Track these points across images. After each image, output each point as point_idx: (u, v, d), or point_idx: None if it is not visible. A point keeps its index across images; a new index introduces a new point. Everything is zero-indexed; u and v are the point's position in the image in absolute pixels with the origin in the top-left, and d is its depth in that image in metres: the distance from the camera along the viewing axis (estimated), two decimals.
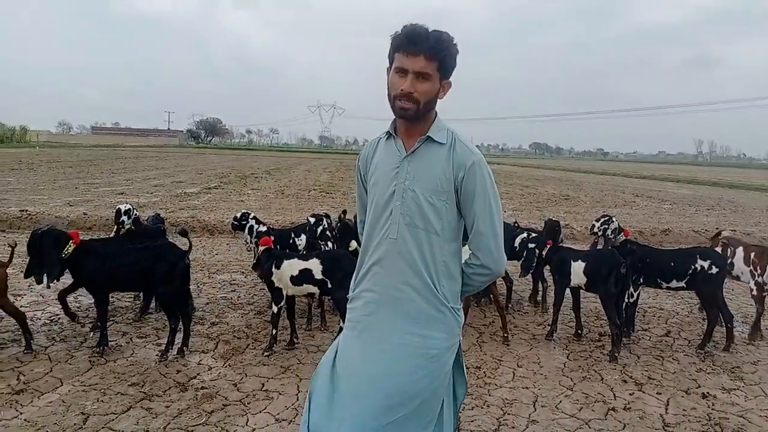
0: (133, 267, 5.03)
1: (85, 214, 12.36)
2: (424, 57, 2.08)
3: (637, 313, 6.28)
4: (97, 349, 4.95)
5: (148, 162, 36.79)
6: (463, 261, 2.29)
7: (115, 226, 6.50)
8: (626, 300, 5.97)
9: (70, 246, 4.86)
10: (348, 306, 2.37)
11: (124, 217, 6.39)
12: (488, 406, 4.32)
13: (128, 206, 6.52)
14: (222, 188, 20.55)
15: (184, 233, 5.46)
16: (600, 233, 5.97)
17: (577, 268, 5.60)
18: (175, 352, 4.99)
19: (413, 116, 2.15)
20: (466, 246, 2.30)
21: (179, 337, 5.09)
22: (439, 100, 2.20)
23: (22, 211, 12.20)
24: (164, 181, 22.56)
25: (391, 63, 2.18)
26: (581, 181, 34.75)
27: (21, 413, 3.86)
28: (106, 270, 4.94)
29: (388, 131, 2.30)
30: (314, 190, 21.37)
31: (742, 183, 38.50)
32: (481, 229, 2.18)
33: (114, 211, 6.64)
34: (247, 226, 6.86)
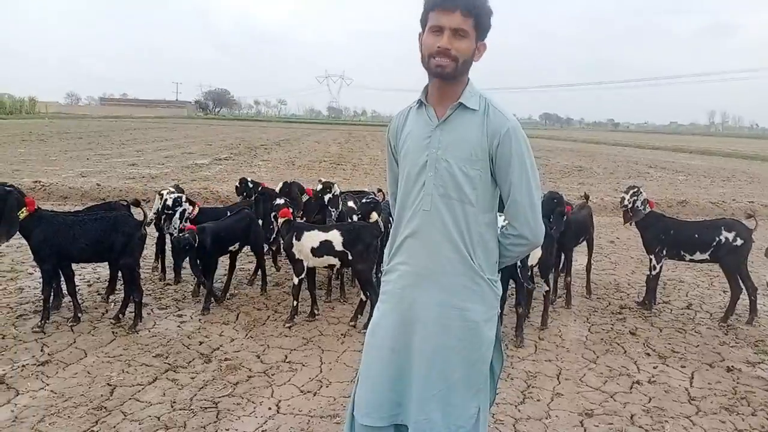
0: (87, 238, 4.84)
1: (98, 185, 12.36)
2: (460, 13, 2.00)
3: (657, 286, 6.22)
4: (38, 326, 4.78)
5: (158, 133, 36.74)
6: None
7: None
8: (649, 272, 5.93)
9: (23, 212, 4.68)
10: (382, 279, 2.33)
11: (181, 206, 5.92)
12: (512, 378, 4.31)
13: (175, 194, 6.03)
14: (233, 159, 20.52)
15: (136, 203, 5.44)
16: (630, 205, 5.84)
17: None
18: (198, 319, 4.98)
19: (451, 75, 2.06)
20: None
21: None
22: (474, 63, 2.12)
23: (36, 182, 12.19)
24: (174, 152, 22.54)
25: (423, 26, 2.10)
26: (593, 152, 34.45)
27: (47, 384, 3.88)
28: (56, 241, 4.74)
29: (419, 99, 2.21)
30: (325, 161, 21.29)
31: (757, 154, 38.02)
32: (518, 198, 2.11)
33: (158, 195, 6.07)
34: (179, 210, 5.95)
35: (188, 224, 5.67)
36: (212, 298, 5.48)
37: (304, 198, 6.68)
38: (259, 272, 6.22)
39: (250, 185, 7.45)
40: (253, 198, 6.72)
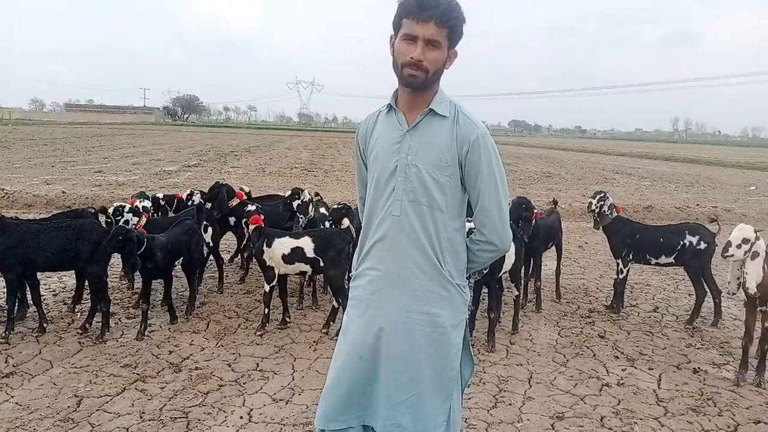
0: (53, 246, 4.73)
1: (63, 192, 12.13)
2: (435, 23, 2.00)
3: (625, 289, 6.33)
4: (2, 336, 4.66)
5: (125, 139, 36.17)
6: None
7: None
8: (616, 276, 6.03)
9: None
10: (351, 284, 2.33)
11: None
12: (484, 383, 4.33)
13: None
14: (202, 166, 20.31)
15: (103, 211, 5.31)
16: (597, 210, 5.95)
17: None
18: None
19: (421, 85, 2.07)
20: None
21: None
22: (445, 70, 2.13)
23: None
24: (142, 159, 22.23)
25: (396, 30, 2.10)
26: (561, 159, 34.92)
27: (12, 396, 3.78)
28: (20, 250, 4.62)
29: (389, 104, 2.21)
30: (296, 167, 21.21)
31: (719, 160, 38.96)
32: (487, 205, 2.13)
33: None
34: (122, 221, 5.62)
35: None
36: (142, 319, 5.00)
37: (234, 201, 6.64)
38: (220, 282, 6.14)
39: (162, 202, 7.13)
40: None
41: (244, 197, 6.92)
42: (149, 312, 5.06)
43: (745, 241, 4.21)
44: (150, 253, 4.86)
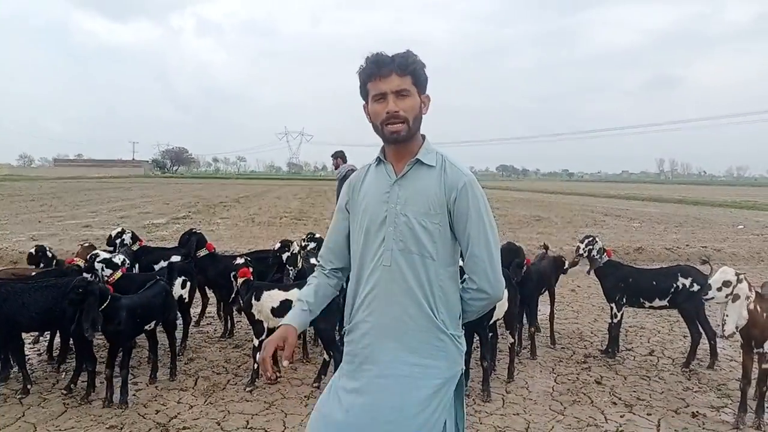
0: (38, 306, 4.61)
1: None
2: (396, 74, 2.08)
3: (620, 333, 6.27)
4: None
5: (113, 193, 36.15)
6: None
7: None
8: (610, 320, 5.99)
9: None
10: (345, 339, 2.28)
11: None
12: None
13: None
14: (191, 218, 20.23)
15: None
16: (585, 254, 5.95)
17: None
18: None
19: (405, 136, 2.12)
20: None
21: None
22: (423, 116, 2.18)
23: None
24: (130, 212, 22.14)
25: (365, 98, 2.17)
26: (550, 202, 35.16)
27: None
28: (4, 310, 4.51)
29: (378, 157, 2.25)
30: (285, 217, 21.19)
31: (706, 199, 39.38)
32: (476, 252, 2.12)
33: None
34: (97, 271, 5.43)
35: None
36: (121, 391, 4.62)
37: (202, 252, 6.55)
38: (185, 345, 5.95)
39: (49, 255, 6.74)
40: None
41: (214, 249, 6.81)
42: (137, 370, 4.93)
43: (726, 283, 4.19)
44: (113, 313, 4.44)
